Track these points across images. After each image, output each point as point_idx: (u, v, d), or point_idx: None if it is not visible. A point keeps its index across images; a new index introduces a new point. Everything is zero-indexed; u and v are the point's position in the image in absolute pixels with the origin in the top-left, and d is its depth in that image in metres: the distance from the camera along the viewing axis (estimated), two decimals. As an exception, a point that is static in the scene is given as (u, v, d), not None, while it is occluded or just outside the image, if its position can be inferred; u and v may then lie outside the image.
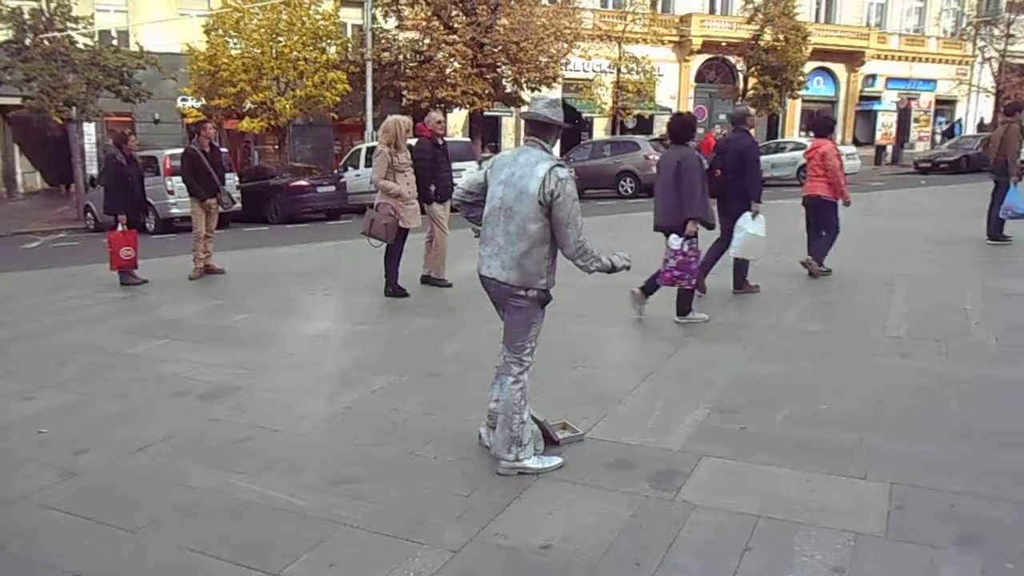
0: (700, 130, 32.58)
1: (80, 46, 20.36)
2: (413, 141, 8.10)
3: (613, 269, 3.61)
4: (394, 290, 7.61)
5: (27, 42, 19.68)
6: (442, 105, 23.39)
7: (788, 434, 4.01)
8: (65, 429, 4.45)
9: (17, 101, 21.00)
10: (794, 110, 34.36)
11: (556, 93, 27.87)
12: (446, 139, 8.34)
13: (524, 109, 3.65)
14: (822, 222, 7.92)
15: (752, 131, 7.59)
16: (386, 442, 4.10)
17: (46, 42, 19.69)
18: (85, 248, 14.35)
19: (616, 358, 5.47)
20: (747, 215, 6.88)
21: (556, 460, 3.71)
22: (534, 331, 3.62)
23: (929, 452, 3.70)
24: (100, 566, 2.99)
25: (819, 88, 35.27)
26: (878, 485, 3.37)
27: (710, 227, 6.46)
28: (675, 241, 5.98)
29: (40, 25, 19.81)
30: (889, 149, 33.71)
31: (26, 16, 19.77)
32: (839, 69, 35.73)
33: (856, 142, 32.82)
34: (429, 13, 23.35)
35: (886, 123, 33.92)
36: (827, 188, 7.80)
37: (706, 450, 3.81)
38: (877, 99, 36.13)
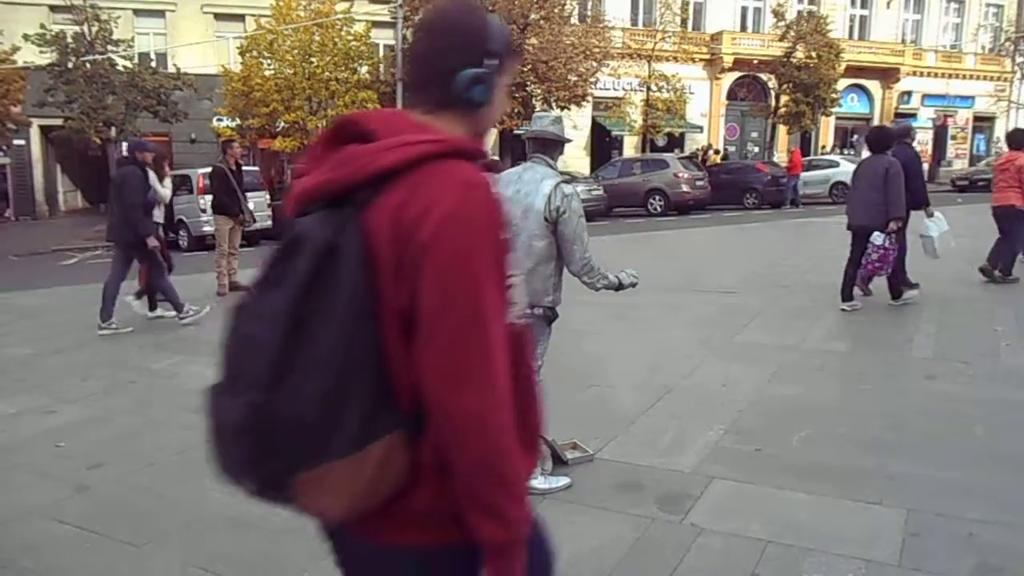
0: (724, 149, 32.37)
1: (120, 68, 20.91)
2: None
3: (620, 286, 3.57)
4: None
5: (69, 65, 20.27)
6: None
7: (804, 457, 3.92)
8: (82, 443, 4.51)
9: (59, 122, 21.61)
10: (827, 127, 33.95)
11: (586, 111, 27.95)
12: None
13: (528, 127, 3.69)
14: (1009, 231, 8.18)
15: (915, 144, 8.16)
16: (395, 460, 4.08)
17: (87, 65, 20.27)
18: (119, 265, 14.61)
19: (632, 378, 5.39)
20: (926, 222, 7.39)
21: (563, 480, 3.66)
22: (540, 349, 3.58)
23: (950, 478, 3.59)
24: (103, 581, 3.01)
25: (853, 105, 34.82)
26: (895, 511, 3.27)
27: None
28: (878, 238, 6.76)
29: (82, 48, 20.40)
30: (925, 167, 33.17)
31: (69, 40, 20.39)
32: (873, 86, 35.23)
33: (891, 159, 32.34)
34: (459, 33, 23.57)
35: (922, 140, 33.40)
36: (1020, 198, 8.04)
37: (718, 472, 3.74)
38: (913, 116, 35.56)
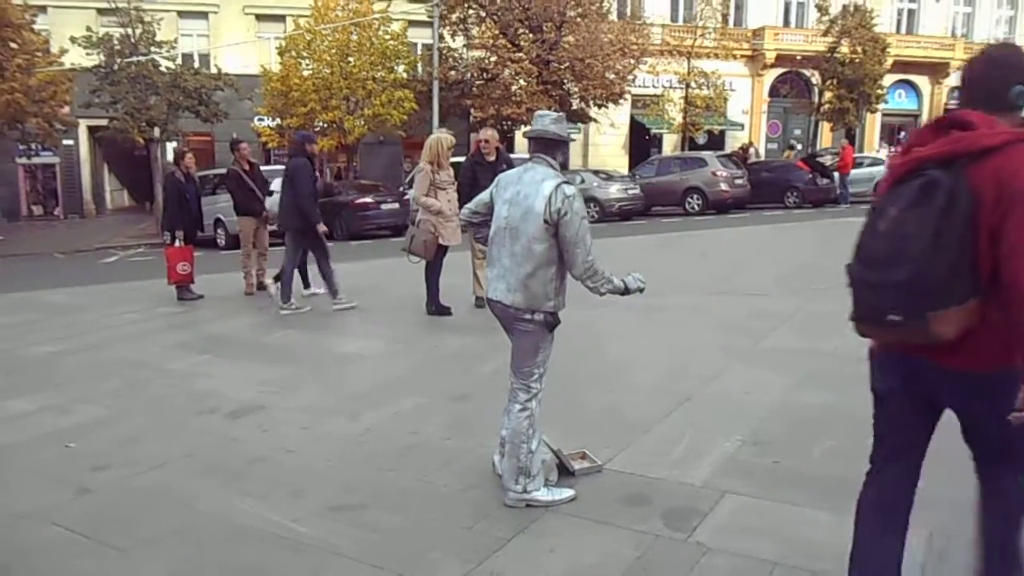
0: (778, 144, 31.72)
1: (163, 69, 21.26)
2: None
3: (626, 291, 3.41)
4: (436, 308, 7.54)
5: (115, 67, 20.67)
6: (508, 123, 23.40)
7: (825, 471, 3.72)
8: (91, 443, 4.50)
9: (105, 123, 22.06)
10: (873, 124, 33.10)
11: (624, 109, 27.64)
12: (506, 156, 8.16)
13: (530, 127, 3.59)
14: None
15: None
16: (398, 467, 3.99)
17: (132, 66, 20.64)
18: (157, 263, 14.78)
19: (651, 383, 5.22)
20: None
21: (568, 492, 3.52)
22: (542, 356, 3.44)
23: (980, 497, 3.35)
24: (89, 588, 2.96)
25: (900, 101, 33.87)
26: (918, 532, 3.05)
27: None
28: None
29: (126, 50, 20.78)
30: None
31: (115, 42, 20.80)
32: (922, 81, 34.22)
33: (941, 157, 31.27)
34: (496, 31, 23.47)
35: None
36: None
37: (731, 486, 3.56)
38: (964, 112, 34.46)
